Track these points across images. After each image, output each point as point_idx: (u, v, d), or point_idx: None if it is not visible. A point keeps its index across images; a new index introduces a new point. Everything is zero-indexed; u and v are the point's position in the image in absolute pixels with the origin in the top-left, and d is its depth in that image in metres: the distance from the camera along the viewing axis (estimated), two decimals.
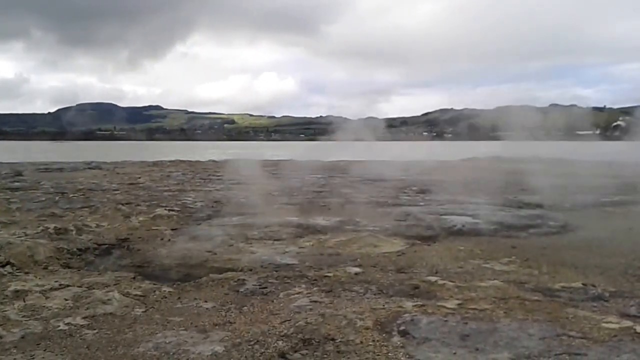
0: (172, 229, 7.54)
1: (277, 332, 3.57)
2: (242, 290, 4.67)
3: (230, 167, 18.39)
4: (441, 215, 8.53)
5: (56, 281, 4.89)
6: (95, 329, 3.75)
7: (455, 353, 3.23)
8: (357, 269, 5.34)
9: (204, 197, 11.13)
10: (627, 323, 3.71)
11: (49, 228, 7.07)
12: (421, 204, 10.19)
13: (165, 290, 4.69)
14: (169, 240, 6.92)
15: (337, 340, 3.40)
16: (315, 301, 4.26)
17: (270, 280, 4.92)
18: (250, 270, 5.42)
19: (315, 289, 4.64)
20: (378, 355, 3.22)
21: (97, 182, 14.23)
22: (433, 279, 4.94)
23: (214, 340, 3.49)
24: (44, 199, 10.58)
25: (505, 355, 3.18)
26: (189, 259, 5.92)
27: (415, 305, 4.09)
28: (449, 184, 13.90)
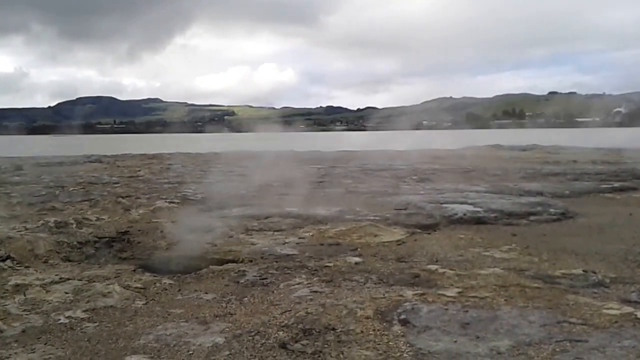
0: (172, 221, 7.53)
1: (277, 323, 3.57)
2: (242, 281, 4.67)
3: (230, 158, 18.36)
4: (441, 203, 8.51)
5: (56, 275, 4.89)
6: (95, 322, 3.75)
7: (455, 341, 3.23)
8: (357, 259, 5.34)
9: (205, 189, 11.11)
10: (628, 309, 3.70)
11: (49, 222, 7.05)
12: (421, 192, 10.17)
13: (165, 283, 4.69)
14: (169, 232, 6.92)
15: (337, 330, 3.40)
16: (316, 291, 4.26)
17: (270, 271, 4.92)
18: (251, 261, 5.42)
19: (315, 279, 4.64)
20: (379, 344, 3.22)
21: (97, 176, 14.21)
22: (433, 267, 4.95)
23: (214, 332, 3.49)
24: (44, 192, 10.56)
25: (506, 343, 3.18)
26: (189, 250, 5.92)
27: (415, 294, 4.09)
28: (449, 173, 13.90)
